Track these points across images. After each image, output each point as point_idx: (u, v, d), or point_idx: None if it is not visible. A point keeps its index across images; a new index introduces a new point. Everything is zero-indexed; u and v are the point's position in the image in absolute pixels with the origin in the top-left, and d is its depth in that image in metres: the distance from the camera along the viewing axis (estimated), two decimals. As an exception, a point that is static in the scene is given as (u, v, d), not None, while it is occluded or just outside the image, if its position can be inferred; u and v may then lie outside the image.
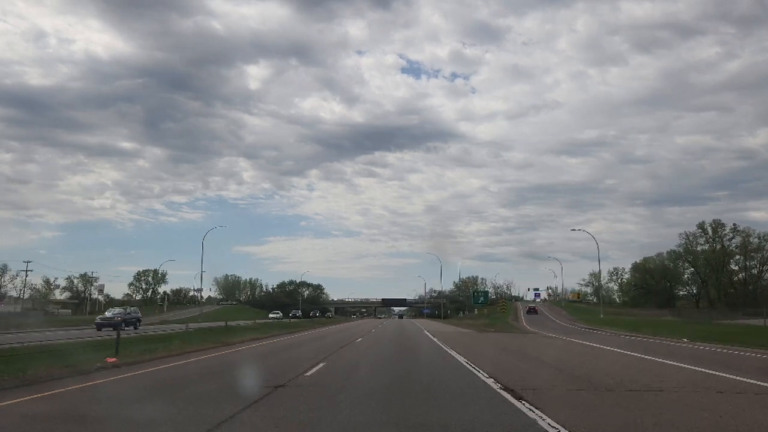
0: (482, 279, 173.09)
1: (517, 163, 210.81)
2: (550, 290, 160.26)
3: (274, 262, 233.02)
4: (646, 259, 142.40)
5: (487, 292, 58.68)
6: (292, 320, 60.38)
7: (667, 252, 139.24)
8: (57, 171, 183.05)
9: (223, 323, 42.07)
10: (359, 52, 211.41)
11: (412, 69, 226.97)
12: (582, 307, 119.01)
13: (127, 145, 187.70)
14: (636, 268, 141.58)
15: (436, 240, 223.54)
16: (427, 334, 34.87)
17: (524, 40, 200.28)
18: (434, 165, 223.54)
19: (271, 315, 70.31)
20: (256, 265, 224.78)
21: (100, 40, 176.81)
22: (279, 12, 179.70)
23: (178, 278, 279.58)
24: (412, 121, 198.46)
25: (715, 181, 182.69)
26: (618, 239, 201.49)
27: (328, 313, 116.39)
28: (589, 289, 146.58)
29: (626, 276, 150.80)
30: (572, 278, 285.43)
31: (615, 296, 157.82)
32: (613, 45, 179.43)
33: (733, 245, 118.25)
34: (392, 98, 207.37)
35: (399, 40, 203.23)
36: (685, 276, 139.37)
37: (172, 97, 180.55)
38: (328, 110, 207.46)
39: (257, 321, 54.99)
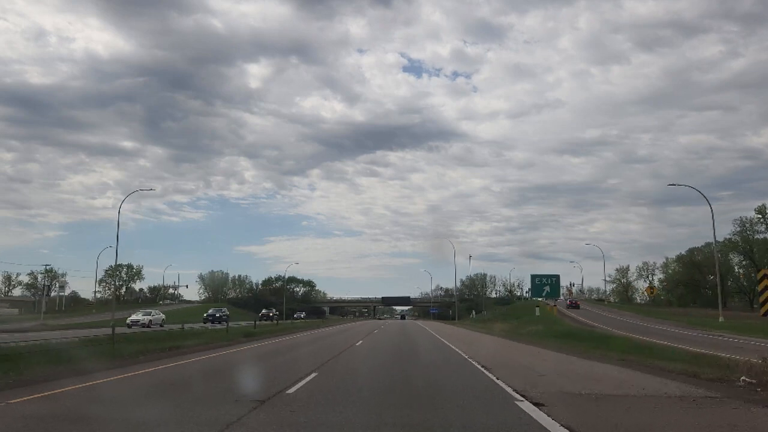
0: (491, 277, 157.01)
1: (519, 163, 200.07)
2: (571, 287, 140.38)
3: (276, 262, 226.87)
4: (692, 251, 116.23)
5: (556, 278, 30.39)
6: (206, 325, 32.80)
7: (717, 242, 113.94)
8: (58, 170, 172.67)
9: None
10: (360, 51, 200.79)
11: (414, 67, 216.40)
12: (629, 307, 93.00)
13: (128, 144, 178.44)
14: (681, 260, 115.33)
15: (439, 239, 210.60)
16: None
17: (526, 39, 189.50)
18: (436, 164, 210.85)
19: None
20: (258, 264, 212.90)
21: (100, 38, 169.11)
22: (279, 10, 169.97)
23: (168, 276, 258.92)
24: (413, 120, 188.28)
25: (718, 180, 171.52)
26: (621, 239, 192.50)
27: (299, 314, 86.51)
28: (608, 288, 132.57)
29: (657, 272, 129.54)
30: (576, 278, 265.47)
31: (637, 296, 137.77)
32: (615, 43, 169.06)
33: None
34: (393, 97, 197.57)
35: (400, 38, 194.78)
36: (738, 270, 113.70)
37: (173, 96, 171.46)
38: (329, 109, 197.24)
39: (185, 327, 28.26)
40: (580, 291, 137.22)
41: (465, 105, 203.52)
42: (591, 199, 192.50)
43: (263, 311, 67.99)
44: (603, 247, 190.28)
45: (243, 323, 34.97)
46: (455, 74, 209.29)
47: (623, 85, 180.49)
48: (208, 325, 38.24)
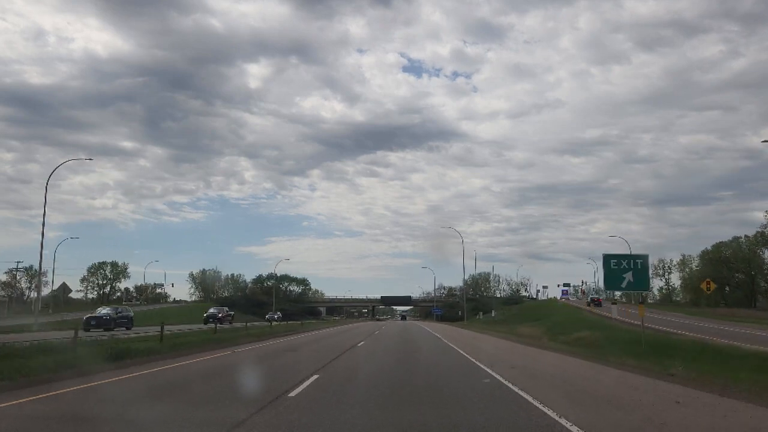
0: (495, 275, 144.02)
1: (519, 163, 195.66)
2: (582, 285, 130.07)
3: (277, 262, 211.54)
4: (718, 245, 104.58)
5: (643, 260, 17.83)
6: (91, 334, 19.54)
7: (746, 237, 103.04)
8: (59, 170, 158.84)
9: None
10: (360, 51, 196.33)
11: (414, 67, 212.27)
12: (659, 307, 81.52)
13: (128, 144, 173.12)
14: (706, 257, 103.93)
15: (441, 238, 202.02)
16: None
17: (526, 39, 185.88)
18: (436, 164, 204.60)
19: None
20: (259, 265, 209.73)
21: (99, 38, 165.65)
22: (279, 10, 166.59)
23: (158, 276, 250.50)
24: (413, 120, 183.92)
25: (719, 180, 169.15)
26: (622, 239, 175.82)
27: (272, 314, 72.36)
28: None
29: (673, 270, 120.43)
30: (575, 278, 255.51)
31: (649, 296, 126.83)
32: (615, 43, 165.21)
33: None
34: (393, 97, 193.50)
35: (400, 38, 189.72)
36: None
37: (173, 96, 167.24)
38: (329, 109, 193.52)
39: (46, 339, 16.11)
40: (593, 290, 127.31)
41: (465, 105, 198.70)
42: (591, 200, 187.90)
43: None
44: (605, 248, 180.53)
45: (169, 331, 22.67)
46: (455, 74, 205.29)
47: (623, 85, 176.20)
48: (98, 333, 24.93)
